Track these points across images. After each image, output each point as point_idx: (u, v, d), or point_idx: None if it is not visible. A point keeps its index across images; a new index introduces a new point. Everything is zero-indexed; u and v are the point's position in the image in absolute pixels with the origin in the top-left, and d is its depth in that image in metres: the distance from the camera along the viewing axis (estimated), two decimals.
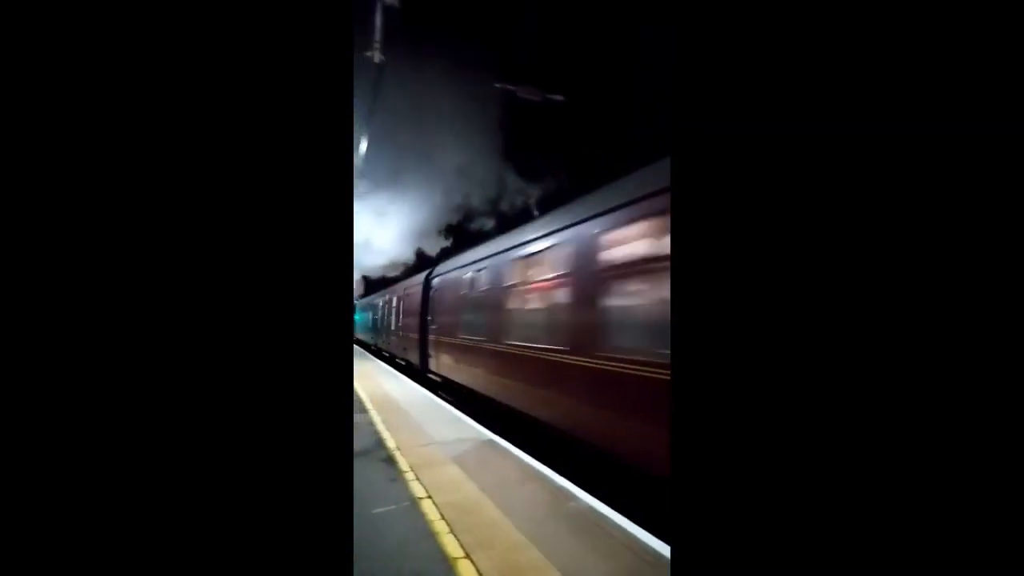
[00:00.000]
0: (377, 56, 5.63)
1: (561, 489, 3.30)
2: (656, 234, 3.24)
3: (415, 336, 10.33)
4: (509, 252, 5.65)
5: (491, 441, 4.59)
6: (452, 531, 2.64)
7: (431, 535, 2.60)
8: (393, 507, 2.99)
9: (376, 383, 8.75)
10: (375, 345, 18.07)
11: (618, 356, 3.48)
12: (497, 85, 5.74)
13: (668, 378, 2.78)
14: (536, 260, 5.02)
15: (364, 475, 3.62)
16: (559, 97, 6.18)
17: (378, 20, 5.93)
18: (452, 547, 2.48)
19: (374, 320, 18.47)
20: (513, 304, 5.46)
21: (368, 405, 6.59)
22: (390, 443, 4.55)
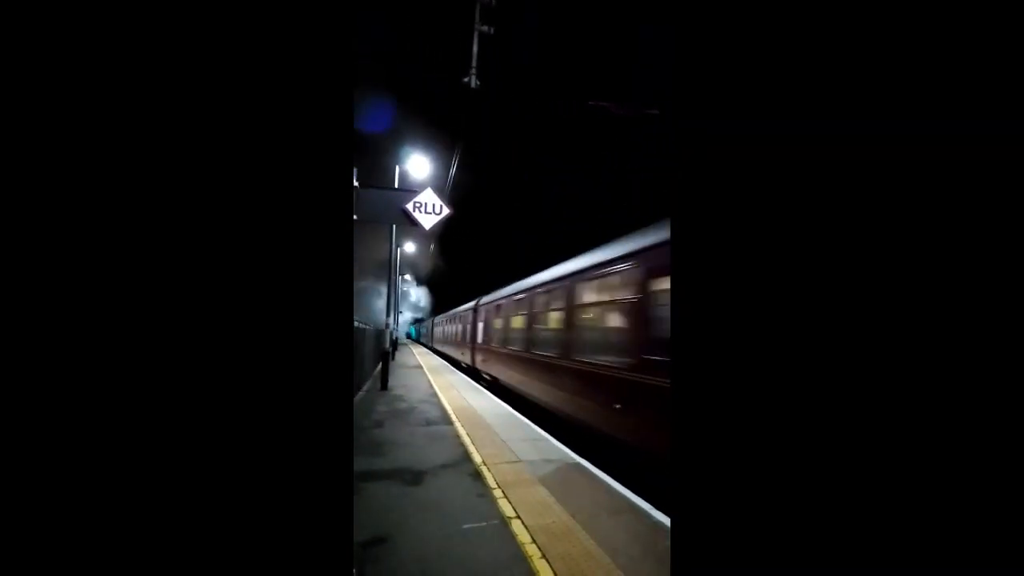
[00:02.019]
0: (474, 81, 5.88)
1: (658, 525, 3.06)
2: None
3: None
4: None
5: (578, 465, 4.43)
6: (545, 556, 2.54)
7: (523, 558, 2.52)
8: (483, 524, 2.96)
9: (460, 395, 8.94)
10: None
11: None
12: (591, 103, 5.71)
13: None
14: None
15: (453, 488, 3.65)
16: (655, 111, 6.01)
17: (475, 47, 6.21)
18: (545, 573, 2.38)
19: None
20: None
21: (453, 418, 6.73)
22: (476, 457, 4.57)
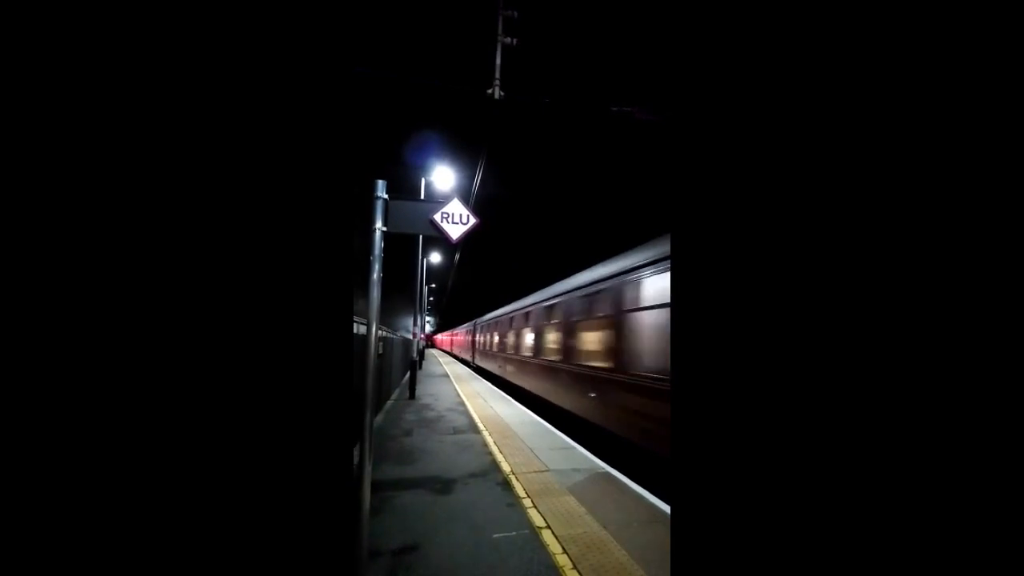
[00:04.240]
0: (497, 92, 5.95)
1: None
2: None
3: None
4: None
5: (607, 474, 4.37)
6: (576, 567, 2.51)
7: (555, 568, 2.50)
8: (513, 533, 2.95)
9: (487, 404, 8.94)
10: None
11: None
12: (614, 109, 5.71)
13: None
14: None
15: (482, 496, 3.65)
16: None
17: (498, 59, 6.30)
18: None
19: None
20: None
21: (480, 426, 6.74)
22: (504, 467, 4.56)
